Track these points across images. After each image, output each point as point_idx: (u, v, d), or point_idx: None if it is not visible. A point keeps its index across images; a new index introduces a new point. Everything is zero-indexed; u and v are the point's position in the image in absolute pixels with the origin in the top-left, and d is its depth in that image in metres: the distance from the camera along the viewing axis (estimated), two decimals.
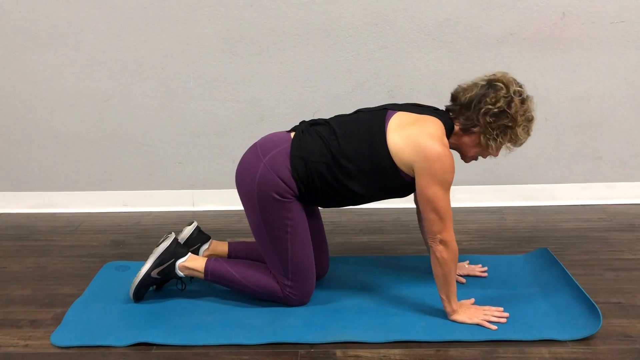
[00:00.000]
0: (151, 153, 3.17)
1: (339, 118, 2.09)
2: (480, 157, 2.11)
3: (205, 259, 2.18)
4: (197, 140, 3.15)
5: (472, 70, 2.96)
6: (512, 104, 1.93)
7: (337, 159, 1.97)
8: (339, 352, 1.89)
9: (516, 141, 1.99)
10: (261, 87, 3.04)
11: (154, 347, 1.94)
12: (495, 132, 1.96)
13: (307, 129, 2.05)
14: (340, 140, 1.99)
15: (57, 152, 3.19)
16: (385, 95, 3.01)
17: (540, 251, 2.47)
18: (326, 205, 2.12)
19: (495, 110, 1.93)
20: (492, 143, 1.98)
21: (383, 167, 1.96)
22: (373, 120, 2.01)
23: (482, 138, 1.99)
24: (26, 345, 1.97)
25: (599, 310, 1.94)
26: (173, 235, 2.20)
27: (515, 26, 2.91)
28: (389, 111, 2.03)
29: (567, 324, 1.97)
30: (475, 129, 1.99)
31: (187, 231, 2.34)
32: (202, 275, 2.16)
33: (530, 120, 1.99)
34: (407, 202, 3.11)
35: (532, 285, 2.25)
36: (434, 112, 2.04)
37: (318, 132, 2.03)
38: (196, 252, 2.32)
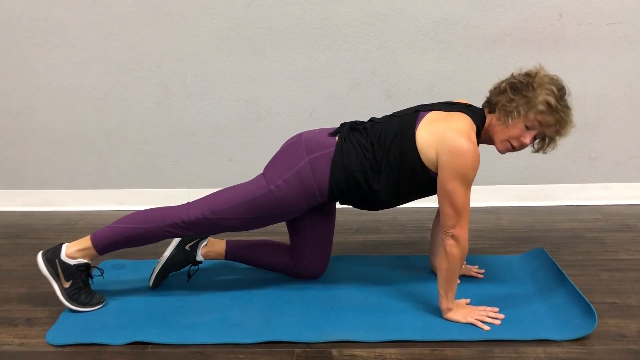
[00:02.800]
0: (147, 151, 3.17)
1: (375, 126, 2.09)
2: (513, 148, 2.03)
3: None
4: (193, 139, 3.14)
5: (468, 71, 2.98)
6: (537, 75, 1.93)
7: (372, 168, 2.02)
8: (334, 352, 1.89)
9: (532, 106, 1.90)
10: (258, 86, 3.04)
11: (150, 346, 1.93)
12: (515, 104, 1.92)
13: (349, 136, 2.07)
14: (376, 149, 2.03)
15: (52, 150, 3.18)
16: (382, 94, 3.02)
17: (536, 251, 2.48)
18: (358, 207, 2.16)
19: (516, 81, 1.94)
20: (514, 112, 1.92)
21: (412, 165, 1.99)
22: (405, 124, 2.03)
23: (503, 113, 1.95)
24: (21, 344, 1.96)
25: (594, 310, 1.95)
26: None
27: (512, 27, 2.91)
28: (421, 112, 2.05)
29: (563, 324, 1.97)
30: (499, 104, 1.97)
31: None
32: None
33: (559, 88, 1.93)
34: None
35: (528, 285, 2.26)
36: (466, 108, 2.04)
37: (358, 141, 2.06)
38: (194, 247, 2.31)
